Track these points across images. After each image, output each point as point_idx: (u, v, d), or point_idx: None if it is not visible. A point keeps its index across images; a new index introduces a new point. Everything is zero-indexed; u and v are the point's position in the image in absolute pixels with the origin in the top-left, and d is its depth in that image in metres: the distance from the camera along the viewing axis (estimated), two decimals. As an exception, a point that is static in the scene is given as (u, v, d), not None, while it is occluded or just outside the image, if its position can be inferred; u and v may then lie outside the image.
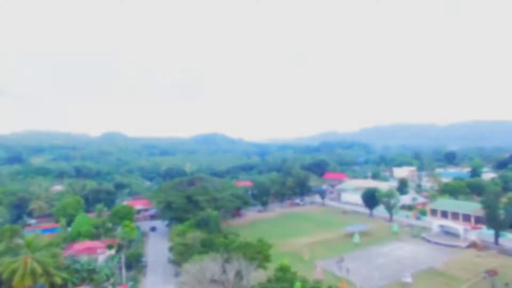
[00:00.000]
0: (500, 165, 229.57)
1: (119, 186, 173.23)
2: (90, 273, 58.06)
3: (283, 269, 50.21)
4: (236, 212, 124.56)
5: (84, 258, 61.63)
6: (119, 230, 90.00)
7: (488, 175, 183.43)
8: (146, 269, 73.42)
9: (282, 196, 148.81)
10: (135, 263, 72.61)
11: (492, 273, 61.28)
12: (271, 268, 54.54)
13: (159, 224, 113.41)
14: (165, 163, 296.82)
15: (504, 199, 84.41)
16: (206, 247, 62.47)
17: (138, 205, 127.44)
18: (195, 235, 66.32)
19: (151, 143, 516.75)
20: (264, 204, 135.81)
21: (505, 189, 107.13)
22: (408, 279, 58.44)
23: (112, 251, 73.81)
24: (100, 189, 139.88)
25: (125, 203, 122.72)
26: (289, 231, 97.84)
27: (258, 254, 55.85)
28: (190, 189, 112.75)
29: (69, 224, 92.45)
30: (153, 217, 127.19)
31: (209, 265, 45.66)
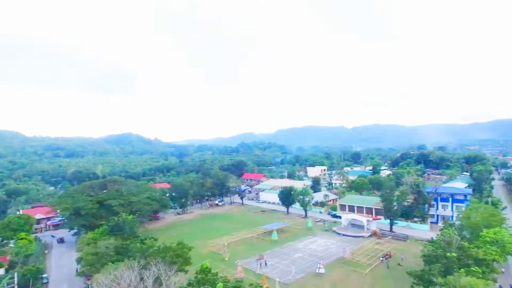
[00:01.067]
0: (394, 163, 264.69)
1: (13, 193, 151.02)
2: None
3: (204, 271, 49.43)
4: (153, 216, 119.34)
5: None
6: (12, 244, 78.20)
7: (385, 172, 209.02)
8: (48, 287, 65.15)
9: (201, 197, 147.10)
10: (33, 281, 63.76)
11: (387, 256, 71.31)
12: (192, 271, 53.48)
13: (65, 233, 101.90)
14: (72, 165, 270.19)
15: (397, 193, 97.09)
16: (121, 254, 58.25)
17: (39, 214, 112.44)
18: (109, 243, 61.09)
19: (54, 144, 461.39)
20: (183, 206, 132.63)
21: (398, 184, 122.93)
22: (322, 270, 63.03)
23: (1, 271, 63.53)
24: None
25: (21, 212, 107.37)
26: (209, 232, 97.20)
27: (178, 257, 54.25)
28: (102, 193, 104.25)
29: None
30: (57, 227, 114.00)
31: (124, 273, 42.46)
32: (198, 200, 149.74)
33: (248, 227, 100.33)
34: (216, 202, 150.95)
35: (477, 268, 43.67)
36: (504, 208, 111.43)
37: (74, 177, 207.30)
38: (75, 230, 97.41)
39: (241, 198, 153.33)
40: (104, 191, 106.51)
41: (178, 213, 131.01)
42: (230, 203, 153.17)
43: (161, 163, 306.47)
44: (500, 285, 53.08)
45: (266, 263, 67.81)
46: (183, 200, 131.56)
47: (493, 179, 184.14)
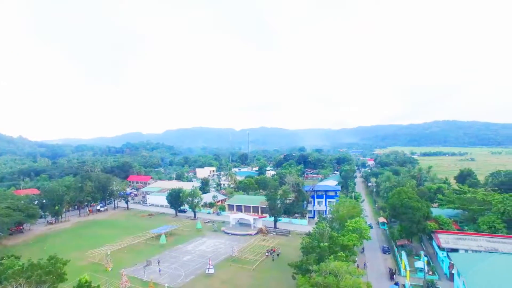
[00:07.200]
0: (278, 164, 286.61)
1: None
2: None
3: (83, 286, 44.77)
4: (16, 228, 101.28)
5: None
6: None
7: (270, 172, 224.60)
8: None
9: (80, 203, 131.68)
10: None
11: (272, 251, 77.45)
12: (68, 288, 47.81)
13: None
14: None
15: (280, 192, 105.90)
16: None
17: None
18: None
19: None
20: (57, 214, 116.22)
21: (281, 183, 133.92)
22: (212, 270, 64.18)
23: None
24: None
25: None
26: (89, 241, 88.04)
27: (48, 274, 47.37)
28: None
29: None
30: None
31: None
32: (76, 207, 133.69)
33: (134, 232, 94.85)
34: (98, 207, 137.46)
35: (342, 253, 51.45)
36: (363, 201, 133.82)
37: None
38: None
39: (126, 202, 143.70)
40: None
41: (50, 223, 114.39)
42: (114, 208, 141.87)
43: (28, 166, 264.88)
44: (358, 264, 63.58)
45: (160, 270, 66.05)
46: (56, 207, 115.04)
47: (356, 176, 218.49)
